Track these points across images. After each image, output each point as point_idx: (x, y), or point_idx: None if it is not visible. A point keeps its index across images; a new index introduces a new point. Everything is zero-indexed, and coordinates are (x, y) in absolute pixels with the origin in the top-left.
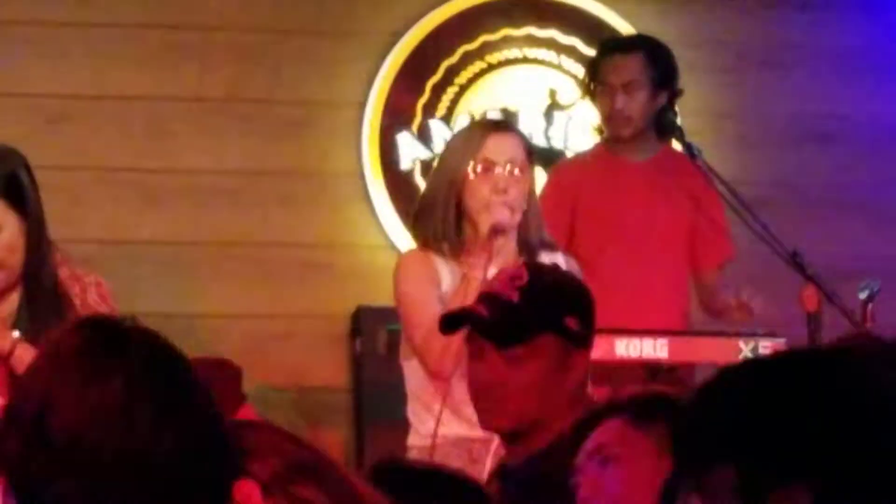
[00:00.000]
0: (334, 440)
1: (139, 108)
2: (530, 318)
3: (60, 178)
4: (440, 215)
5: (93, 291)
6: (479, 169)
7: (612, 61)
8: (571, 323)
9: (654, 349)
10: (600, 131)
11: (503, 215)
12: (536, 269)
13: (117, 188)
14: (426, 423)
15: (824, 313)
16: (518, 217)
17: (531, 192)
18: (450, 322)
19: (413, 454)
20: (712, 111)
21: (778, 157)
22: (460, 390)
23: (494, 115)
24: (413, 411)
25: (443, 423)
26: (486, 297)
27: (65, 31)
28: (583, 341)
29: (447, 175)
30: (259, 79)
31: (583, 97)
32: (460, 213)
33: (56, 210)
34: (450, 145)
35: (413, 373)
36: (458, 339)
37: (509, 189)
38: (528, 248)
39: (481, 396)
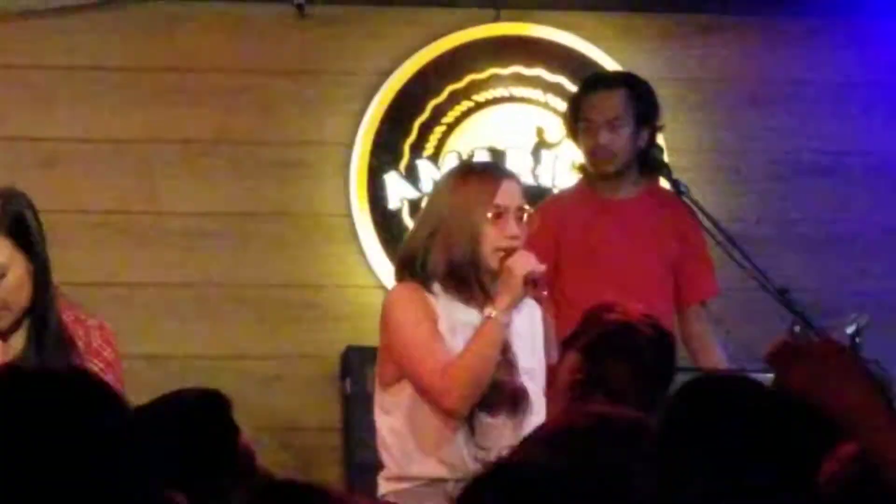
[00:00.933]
0: (324, 481)
1: (127, 151)
2: None
3: (49, 222)
4: (463, 260)
5: (97, 336)
6: (496, 214)
7: (594, 98)
8: None
9: None
10: (581, 169)
11: (534, 263)
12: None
13: (106, 231)
14: (408, 463)
15: None
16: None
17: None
18: None
19: (391, 497)
20: (700, 148)
21: (766, 194)
22: (434, 431)
23: (482, 155)
24: (395, 451)
25: (419, 462)
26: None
27: (53, 74)
28: None
29: (467, 219)
30: (246, 121)
31: (567, 135)
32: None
33: None
34: (460, 189)
35: (415, 411)
36: (473, 378)
37: (519, 235)
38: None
39: None
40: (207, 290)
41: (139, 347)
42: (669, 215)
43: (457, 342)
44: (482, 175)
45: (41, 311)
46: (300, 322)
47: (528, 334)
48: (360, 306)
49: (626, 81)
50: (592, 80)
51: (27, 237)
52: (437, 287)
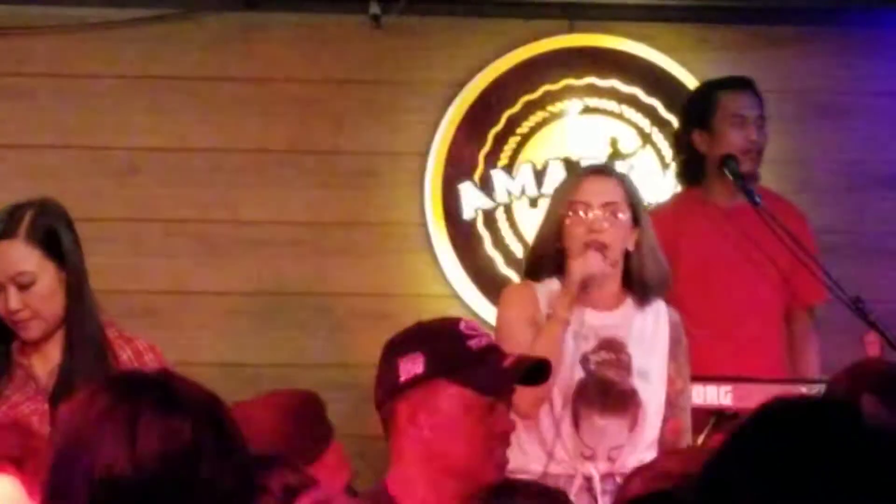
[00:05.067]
0: None
1: (204, 160)
2: None
3: (126, 230)
4: (544, 255)
5: (150, 357)
6: (574, 211)
7: (744, 95)
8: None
9: (717, 396)
10: (687, 175)
11: (596, 265)
12: None
13: (182, 240)
14: (516, 460)
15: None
16: (614, 261)
17: (643, 237)
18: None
19: None
20: (774, 158)
21: (840, 204)
22: (540, 427)
23: (556, 165)
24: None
25: (527, 458)
26: None
27: (130, 84)
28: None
29: (549, 217)
30: (322, 130)
31: (678, 130)
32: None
33: (122, 262)
34: (555, 189)
35: None
36: None
37: (606, 230)
38: (642, 290)
39: None
40: (282, 299)
41: (214, 355)
42: (780, 219)
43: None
44: (573, 174)
45: (75, 320)
46: (374, 331)
47: (650, 335)
48: (434, 315)
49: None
50: (733, 79)
51: (58, 247)
52: (546, 279)
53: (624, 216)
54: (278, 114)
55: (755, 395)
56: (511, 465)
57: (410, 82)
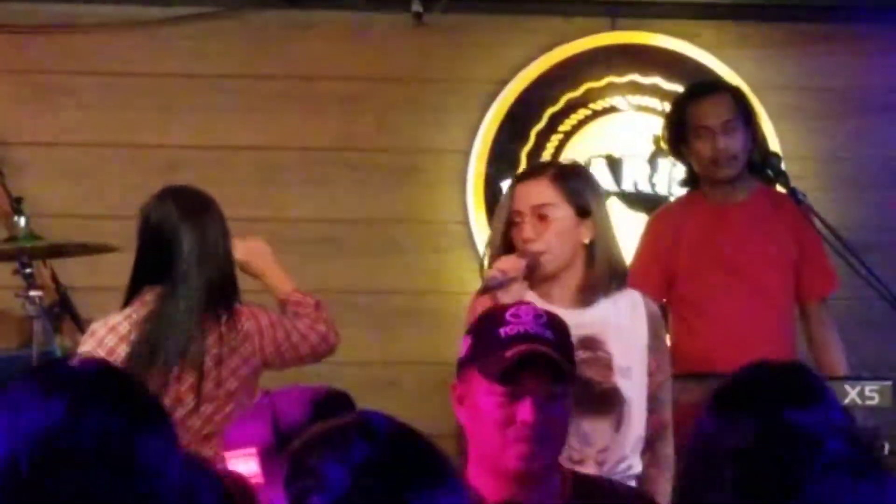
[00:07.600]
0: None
1: (247, 157)
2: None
3: None
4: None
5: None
6: (512, 221)
7: (704, 104)
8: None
9: None
10: (688, 181)
11: (491, 277)
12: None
13: None
14: None
15: None
16: (562, 259)
17: (597, 228)
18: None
19: None
20: (816, 156)
21: (883, 202)
22: None
23: (599, 163)
24: None
25: None
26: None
27: (174, 82)
28: None
29: (494, 229)
30: (365, 128)
31: (667, 147)
32: None
33: None
34: None
35: None
36: None
37: (534, 237)
38: (592, 281)
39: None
40: (324, 296)
41: None
42: (783, 215)
43: None
44: (511, 185)
45: None
46: (416, 328)
47: (627, 330)
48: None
49: (727, 86)
50: (696, 88)
51: None
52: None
53: (558, 213)
54: (321, 112)
55: None
56: None
57: (453, 80)
